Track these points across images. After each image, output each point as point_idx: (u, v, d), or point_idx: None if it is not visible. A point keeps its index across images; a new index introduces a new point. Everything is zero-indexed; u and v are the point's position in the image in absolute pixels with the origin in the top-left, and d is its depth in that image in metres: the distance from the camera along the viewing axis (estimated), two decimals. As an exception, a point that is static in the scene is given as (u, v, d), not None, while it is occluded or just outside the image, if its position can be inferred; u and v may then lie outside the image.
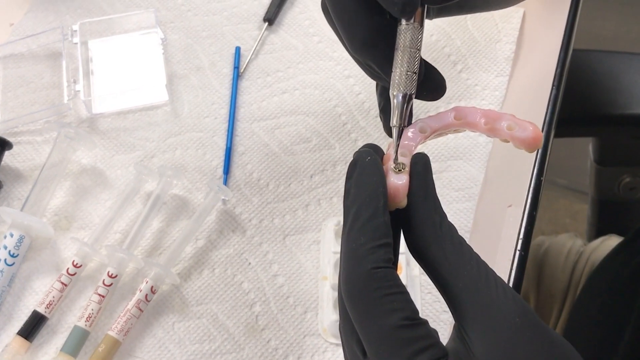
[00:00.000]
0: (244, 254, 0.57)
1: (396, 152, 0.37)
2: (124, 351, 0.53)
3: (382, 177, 0.35)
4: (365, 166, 0.35)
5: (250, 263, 0.57)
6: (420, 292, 0.55)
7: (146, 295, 0.53)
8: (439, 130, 0.39)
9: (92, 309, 0.53)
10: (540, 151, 0.60)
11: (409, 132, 0.38)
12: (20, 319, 0.54)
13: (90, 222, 0.59)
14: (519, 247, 0.55)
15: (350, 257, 0.34)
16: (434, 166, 0.60)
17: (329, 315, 0.54)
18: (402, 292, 0.33)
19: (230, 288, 0.56)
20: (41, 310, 0.53)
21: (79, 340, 0.52)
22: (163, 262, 0.55)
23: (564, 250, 0.87)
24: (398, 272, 0.54)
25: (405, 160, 0.37)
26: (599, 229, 1.04)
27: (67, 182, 0.61)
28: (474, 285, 0.33)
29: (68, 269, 0.54)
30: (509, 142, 0.39)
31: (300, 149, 0.62)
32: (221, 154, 0.62)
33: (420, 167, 0.36)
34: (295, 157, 0.62)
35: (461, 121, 0.39)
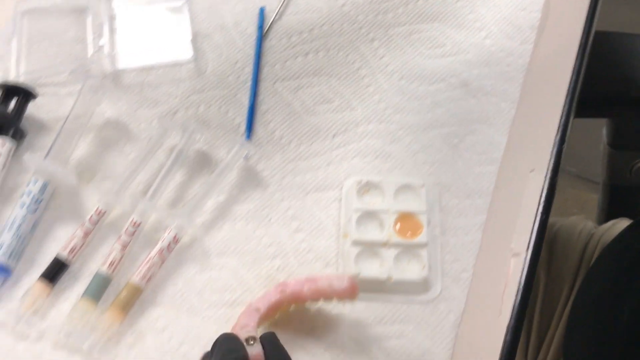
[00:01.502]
0: (264, 209, 0.58)
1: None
2: (145, 298, 0.53)
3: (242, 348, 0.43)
4: (227, 340, 0.44)
5: (271, 219, 0.57)
6: (440, 252, 0.55)
7: (169, 244, 0.53)
8: (273, 307, 0.50)
9: (115, 256, 0.53)
10: (563, 117, 0.60)
11: (245, 316, 0.48)
12: (43, 265, 0.54)
13: (114, 173, 0.59)
14: (540, 210, 0.55)
15: None
16: (458, 130, 0.60)
17: (349, 271, 0.54)
18: None
19: (250, 242, 0.56)
20: (64, 254, 0.53)
21: (101, 285, 0.52)
22: (186, 213, 0.55)
23: (575, 232, 0.87)
24: (418, 232, 0.55)
25: (254, 334, 0.45)
26: (609, 214, 1.04)
27: (90, 134, 0.61)
28: None
29: (91, 216, 0.54)
30: (333, 300, 0.50)
31: (323, 109, 0.62)
32: (244, 112, 0.62)
33: (269, 341, 0.45)
34: (318, 117, 0.62)
35: (286, 294, 0.50)
